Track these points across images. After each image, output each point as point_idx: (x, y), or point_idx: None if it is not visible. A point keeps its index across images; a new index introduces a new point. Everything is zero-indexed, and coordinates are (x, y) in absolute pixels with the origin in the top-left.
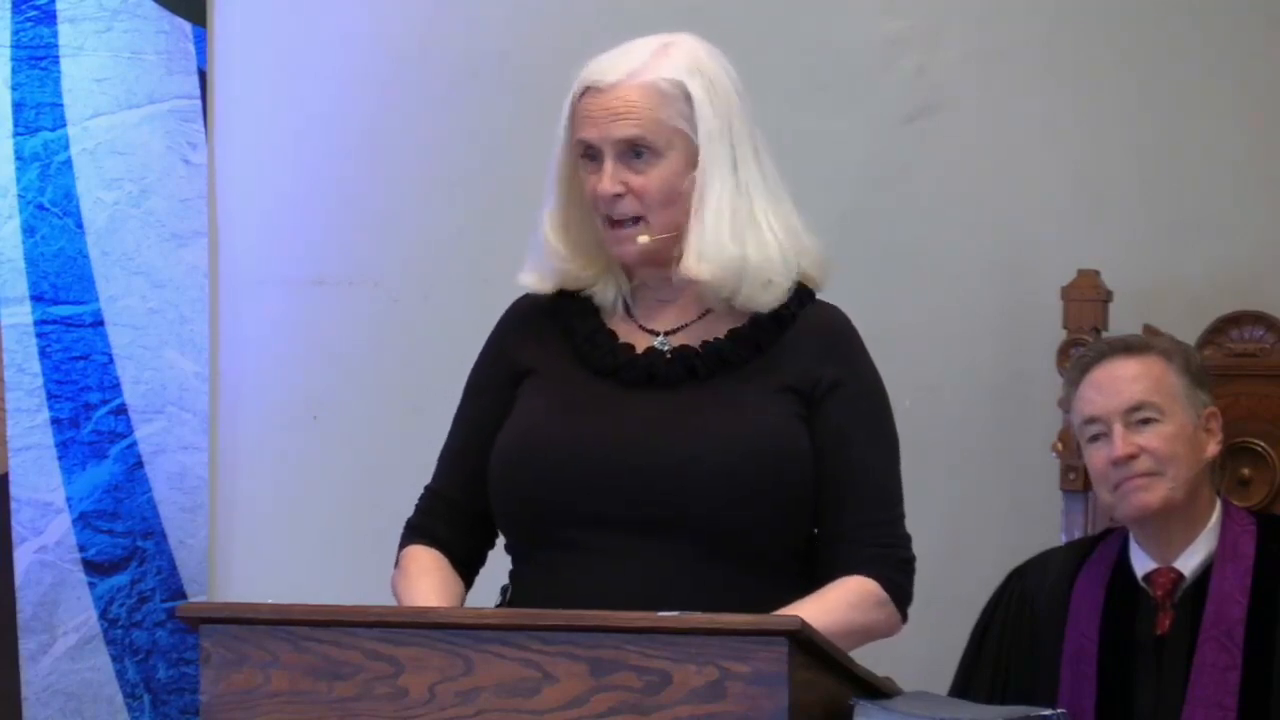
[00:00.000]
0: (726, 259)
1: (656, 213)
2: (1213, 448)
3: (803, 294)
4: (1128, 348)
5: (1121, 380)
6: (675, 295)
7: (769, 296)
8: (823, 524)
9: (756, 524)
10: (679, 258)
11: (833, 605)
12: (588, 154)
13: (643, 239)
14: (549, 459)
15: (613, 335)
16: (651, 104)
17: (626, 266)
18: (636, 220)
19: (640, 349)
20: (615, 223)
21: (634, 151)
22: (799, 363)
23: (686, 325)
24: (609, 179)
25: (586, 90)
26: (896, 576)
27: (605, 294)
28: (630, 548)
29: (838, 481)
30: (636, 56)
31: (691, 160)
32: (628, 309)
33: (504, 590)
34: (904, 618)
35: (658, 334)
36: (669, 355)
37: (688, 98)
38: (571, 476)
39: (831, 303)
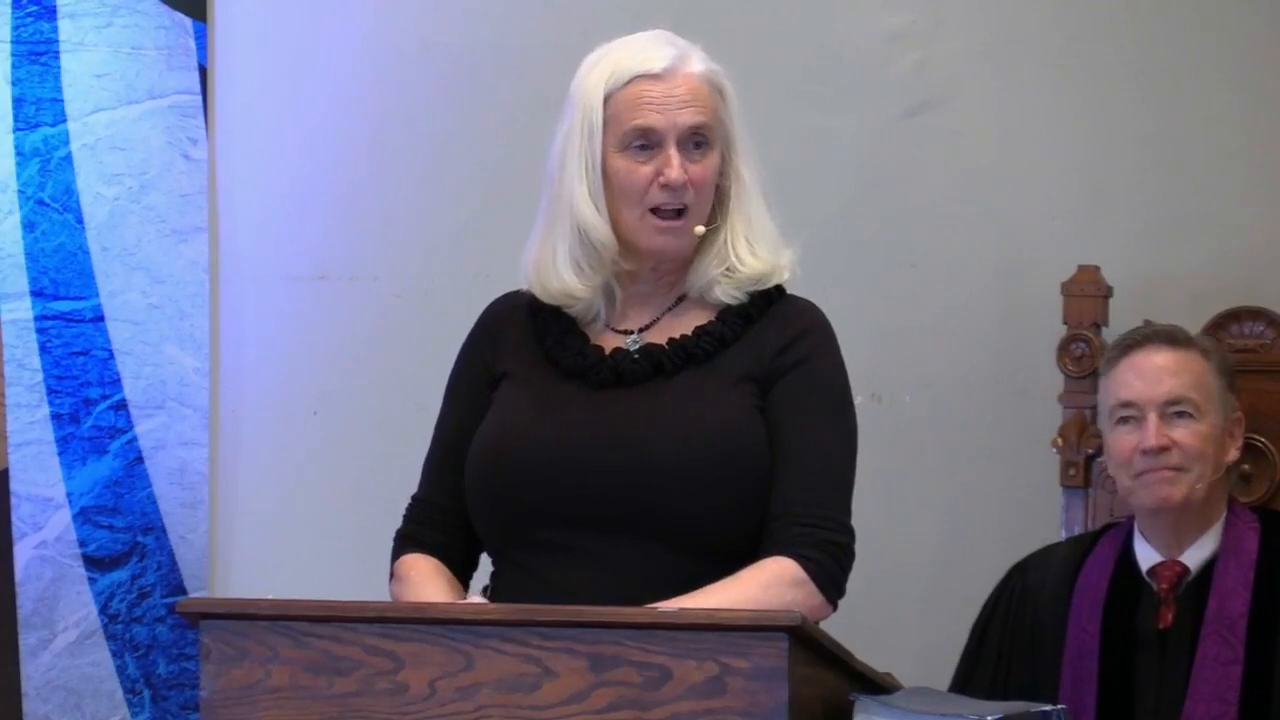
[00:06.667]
0: (773, 250)
1: (700, 205)
2: (1233, 453)
3: (772, 291)
4: (1172, 339)
5: (1164, 370)
6: (654, 289)
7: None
8: (766, 507)
9: (722, 517)
10: (693, 251)
11: (742, 588)
12: (643, 143)
13: (699, 229)
14: (520, 462)
15: (584, 337)
16: (707, 94)
17: (636, 264)
18: (681, 212)
19: (609, 349)
20: (667, 213)
21: (694, 141)
22: (761, 354)
23: (658, 320)
24: (678, 167)
25: (636, 78)
26: (816, 556)
27: (589, 299)
28: (602, 546)
29: (776, 464)
30: (670, 47)
31: (722, 155)
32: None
33: (484, 590)
34: (832, 603)
35: (630, 333)
36: (636, 355)
37: (722, 92)
38: (543, 478)
39: (806, 298)
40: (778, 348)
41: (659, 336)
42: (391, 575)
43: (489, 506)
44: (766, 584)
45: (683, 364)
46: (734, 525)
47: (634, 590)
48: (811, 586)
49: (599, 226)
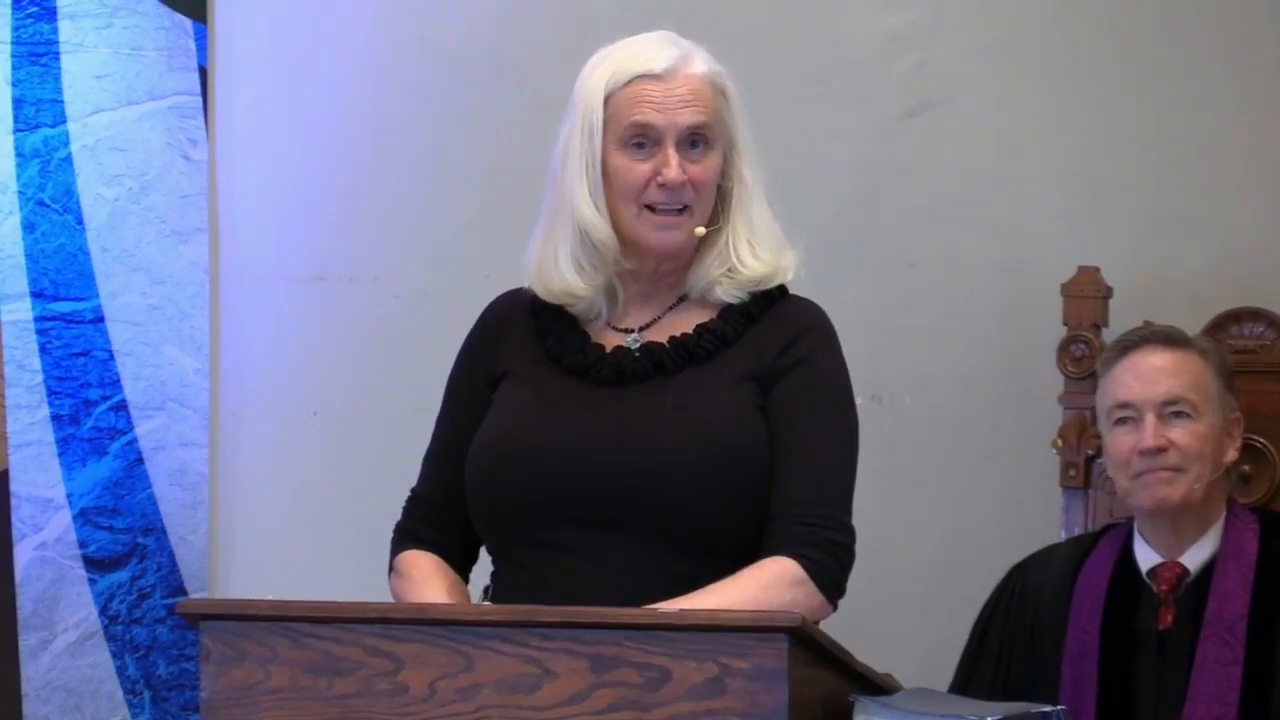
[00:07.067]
0: (775, 252)
1: (702, 205)
2: (1232, 453)
3: (774, 291)
4: (1170, 340)
5: (1161, 371)
6: (656, 288)
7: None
8: (766, 506)
9: (722, 517)
10: (694, 252)
11: (742, 588)
12: (639, 141)
13: (699, 230)
14: (521, 461)
15: (585, 335)
16: (708, 94)
17: (638, 263)
18: (682, 210)
19: (610, 348)
20: (665, 211)
21: (691, 141)
22: (762, 353)
23: (658, 319)
24: (677, 166)
25: (636, 78)
26: (816, 555)
27: (591, 298)
28: (603, 546)
29: (777, 463)
30: (673, 48)
31: (724, 156)
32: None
33: (485, 590)
34: (832, 603)
35: (630, 331)
36: (637, 353)
37: (725, 93)
38: (543, 478)
39: (809, 298)
40: (779, 347)
41: (660, 335)
42: (391, 569)
43: (489, 506)
44: (766, 584)
45: (684, 362)
46: (734, 524)
47: (634, 590)
48: (811, 586)
49: (599, 226)
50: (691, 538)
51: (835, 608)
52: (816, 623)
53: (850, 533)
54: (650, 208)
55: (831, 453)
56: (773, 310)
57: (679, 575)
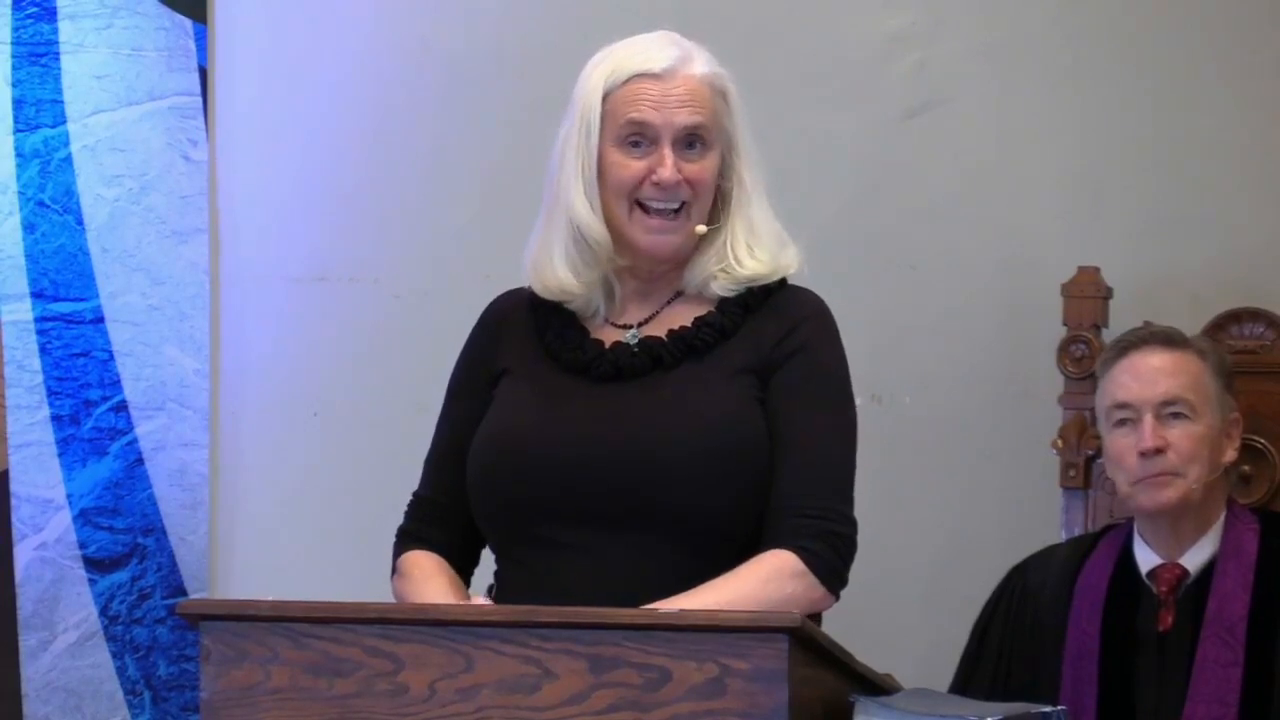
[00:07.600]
0: (774, 253)
1: (699, 204)
2: (1230, 454)
3: (772, 284)
4: (1169, 340)
5: (1160, 372)
6: (652, 286)
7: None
8: (766, 499)
9: (724, 510)
10: (691, 250)
11: (741, 583)
12: (635, 140)
13: (700, 229)
14: (521, 458)
15: (584, 331)
16: (707, 96)
17: (633, 260)
18: (678, 211)
19: (608, 344)
20: (659, 212)
21: (688, 141)
22: (760, 344)
23: (656, 314)
24: (672, 166)
25: (635, 77)
26: (816, 547)
27: (587, 295)
28: (604, 542)
29: (775, 456)
30: (674, 48)
31: (722, 157)
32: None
33: (490, 589)
34: (834, 593)
35: (629, 327)
36: (635, 349)
37: (725, 95)
38: (543, 474)
39: (809, 289)
40: (777, 338)
41: (658, 330)
42: (394, 571)
43: (490, 504)
44: (767, 578)
45: (682, 357)
46: (734, 518)
47: (634, 586)
48: (812, 578)
49: (594, 224)
50: (691, 532)
51: (838, 598)
52: (819, 614)
53: (851, 523)
54: (643, 207)
55: (830, 444)
56: (770, 301)
57: (679, 570)
